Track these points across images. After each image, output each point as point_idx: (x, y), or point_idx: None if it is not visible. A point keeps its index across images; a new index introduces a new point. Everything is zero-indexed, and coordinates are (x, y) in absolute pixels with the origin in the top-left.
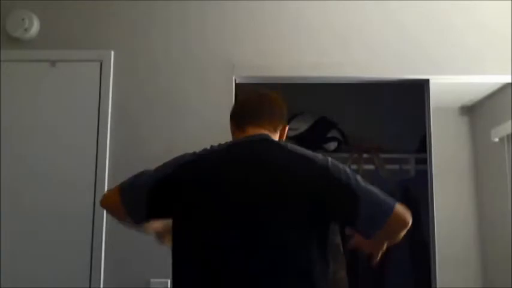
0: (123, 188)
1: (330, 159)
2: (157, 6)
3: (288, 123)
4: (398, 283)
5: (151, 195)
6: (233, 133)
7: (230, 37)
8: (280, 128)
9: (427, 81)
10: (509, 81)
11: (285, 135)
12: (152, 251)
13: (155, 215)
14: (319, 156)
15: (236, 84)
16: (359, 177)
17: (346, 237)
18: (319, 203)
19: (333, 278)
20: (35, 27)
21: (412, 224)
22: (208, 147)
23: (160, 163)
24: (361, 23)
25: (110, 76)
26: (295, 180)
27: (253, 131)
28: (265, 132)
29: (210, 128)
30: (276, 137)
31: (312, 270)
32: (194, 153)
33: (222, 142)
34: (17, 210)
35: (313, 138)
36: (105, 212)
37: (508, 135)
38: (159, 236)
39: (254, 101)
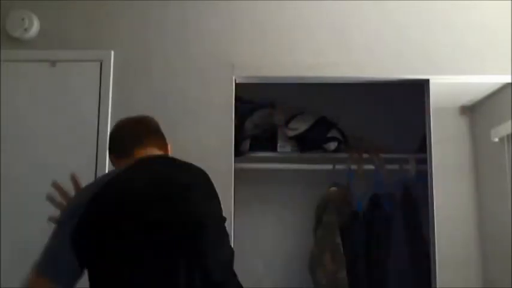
0: (40, 267)
1: None
2: (157, 6)
3: (288, 123)
4: (399, 283)
5: (77, 240)
6: (117, 163)
7: (230, 37)
8: (166, 147)
9: (427, 81)
10: (509, 81)
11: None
12: None
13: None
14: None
15: (236, 84)
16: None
17: (346, 237)
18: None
19: (333, 278)
20: (35, 27)
21: (412, 224)
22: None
23: None
24: (361, 23)
25: (110, 76)
26: (215, 194)
27: (143, 154)
28: (158, 152)
29: (210, 128)
30: None
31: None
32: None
33: (222, 141)
34: (18, 211)
35: (313, 138)
36: None
37: (508, 135)
38: None
39: (132, 126)
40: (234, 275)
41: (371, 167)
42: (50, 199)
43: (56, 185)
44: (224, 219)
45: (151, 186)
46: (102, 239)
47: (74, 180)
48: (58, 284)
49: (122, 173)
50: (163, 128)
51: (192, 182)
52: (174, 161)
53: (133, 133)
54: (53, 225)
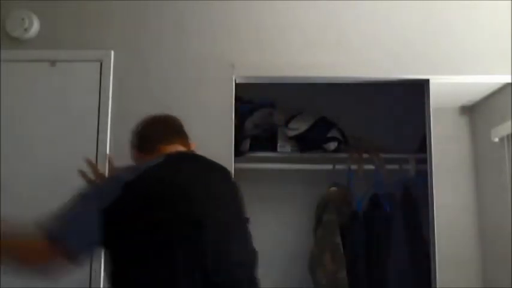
0: (60, 234)
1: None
2: (157, 6)
3: (288, 123)
4: (399, 283)
5: (111, 213)
6: (137, 158)
7: (230, 37)
8: (189, 146)
9: (427, 81)
10: (509, 81)
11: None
12: None
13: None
14: None
15: (236, 84)
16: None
17: (346, 237)
18: None
19: (333, 278)
20: (35, 27)
21: (412, 224)
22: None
23: None
24: (361, 23)
25: (110, 76)
26: (231, 194)
27: (167, 151)
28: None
29: (210, 128)
30: None
31: None
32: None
33: (222, 141)
34: (17, 211)
35: (313, 138)
36: None
37: (508, 135)
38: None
39: (158, 124)
40: (253, 279)
41: (371, 167)
42: (82, 174)
43: (89, 162)
44: (245, 220)
45: (171, 185)
46: (114, 233)
47: (110, 160)
48: (75, 253)
49: (151, 168)
50: None
51: (203, 181)
52: (196, 158)
53: (159, 131)
54: None
